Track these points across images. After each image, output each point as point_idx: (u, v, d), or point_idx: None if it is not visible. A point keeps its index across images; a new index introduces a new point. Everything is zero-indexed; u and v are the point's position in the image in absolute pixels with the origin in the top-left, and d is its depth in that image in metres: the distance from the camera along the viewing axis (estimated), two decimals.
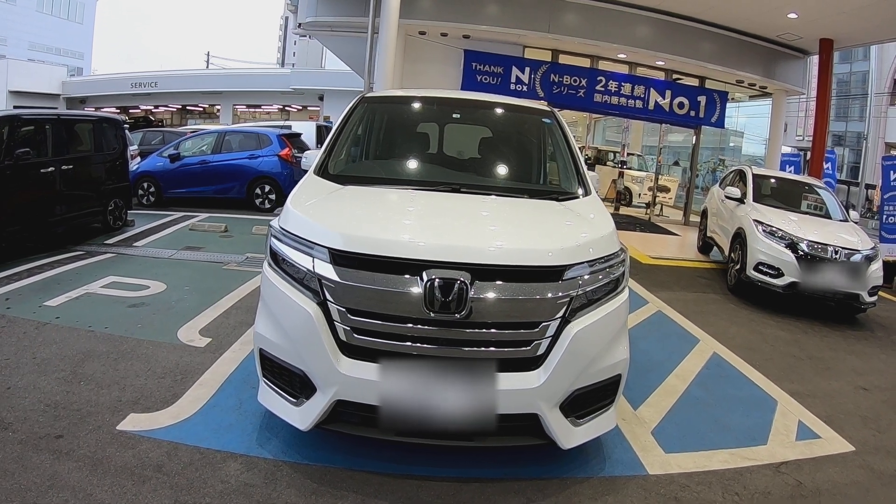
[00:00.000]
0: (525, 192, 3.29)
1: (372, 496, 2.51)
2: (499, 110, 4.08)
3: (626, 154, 16.17)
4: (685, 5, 11.21)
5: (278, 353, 2.59)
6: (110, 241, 7.12)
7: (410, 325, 2.39)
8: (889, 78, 29.07)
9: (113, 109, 28.29)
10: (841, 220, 7.28)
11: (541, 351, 2.47)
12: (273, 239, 2.74)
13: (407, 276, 2.40)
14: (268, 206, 10.33)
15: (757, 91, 13.89)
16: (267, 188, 10.37)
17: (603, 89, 12.64)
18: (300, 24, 12.35)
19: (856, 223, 7.27)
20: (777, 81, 12.81)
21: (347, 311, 2.42)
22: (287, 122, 16.91)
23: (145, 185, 10.41)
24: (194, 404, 3.17)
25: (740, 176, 8.38)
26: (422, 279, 2.37)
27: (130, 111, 31.44)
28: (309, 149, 10.56)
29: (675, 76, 13.23)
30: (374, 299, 2.40)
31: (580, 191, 3.35)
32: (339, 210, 2.86)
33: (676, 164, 17.03)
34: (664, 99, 12.90)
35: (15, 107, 24.19)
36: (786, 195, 7.81)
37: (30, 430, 2.79)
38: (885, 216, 9.36)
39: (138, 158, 11.29)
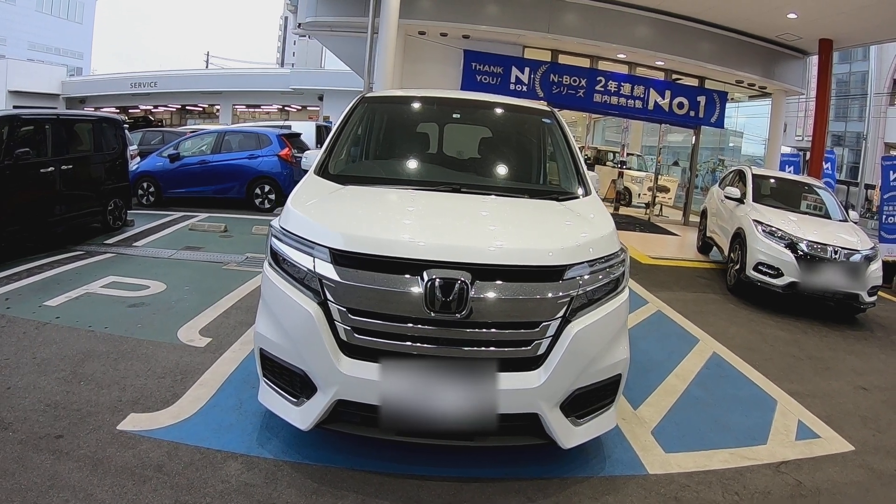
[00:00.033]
0: (525, 192, 3.29)
1: (372, 496, 2.51)
2: (499, 110, 4.08)
3: (625, 154, 16.17)
4: (685, 5, 11.21)
5: (279, 353, 2.59)
6: (110, 241, 7.12)
7: (411, 324, 2.40)
8: (888, 78, 29.08)
9: (112, 109, 28.27)
10: (840, 220, 7.29)
11: (541, 351, 2.47)
12: (273, 239, 2.74)
13: (407, 275, 2.40)
14: (267, 206, 10.33)
15: (756, 91, 13.90)
16: (266, 188, 10.37)
17: (602, 89, 12.65)
18: (300, 24, 12.34)
19: (855, 223, 7.28)
20: (776, 81, 12.83)
21: (348, 310, 2.42)
22: (287, 122, 16.92)
23: (145, 184, 10.41)
24: (194, 404, 3.17)
25: (740, 176, 8.38)
26: (422, 279, 2.37)
27: (130, 111, 31.42)
28: (308, 149, 10.57)
29: (674, 76, 13.24)
30: (374, 299, 2.41)
31: (580, 191, 3.35)
32: (340, 210, 2.86)
33: (676, 164, 17.04)
34: (664, 99, 12.91)
35: (14, 107, 24.18)
36: (785, 195, 7.82)
37: (30, 430, 2.79)
38: (884, 216, 9.37)
39: (138, 158, 11.28)
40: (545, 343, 2.47)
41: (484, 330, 2.42)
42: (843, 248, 6.31)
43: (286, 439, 2.86)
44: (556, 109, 4.11)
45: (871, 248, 6.47)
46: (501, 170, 3.73)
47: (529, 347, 2.47)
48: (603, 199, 3.48)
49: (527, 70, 12.32)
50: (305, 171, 3.42)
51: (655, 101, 12.87)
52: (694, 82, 13.33)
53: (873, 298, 6.38)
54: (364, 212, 2.86)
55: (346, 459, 2.74)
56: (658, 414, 3.53)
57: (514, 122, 4.08)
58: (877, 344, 5.79)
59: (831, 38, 11.61)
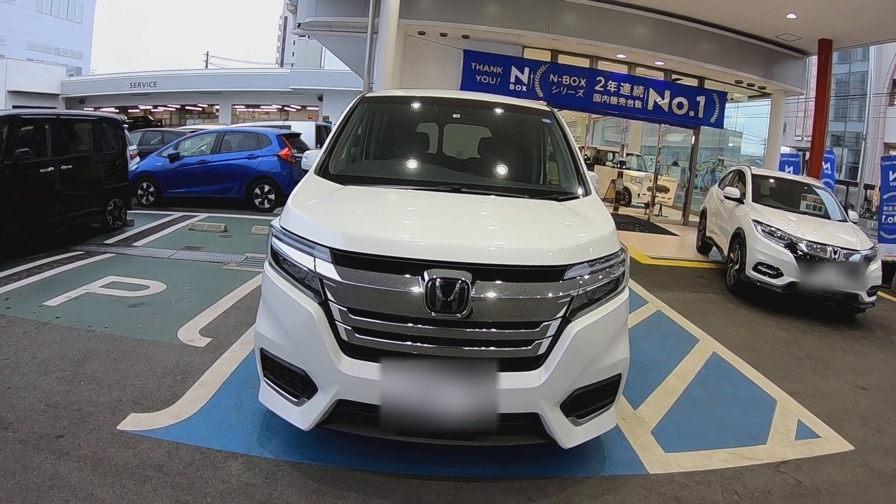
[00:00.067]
0: (525, 192, 3.30)
1: (373, 495, 2.51)
2: (499, 110, 4.09)
3: (625, 154, 16.18)
4: (684, 5, 11.22)
5: (279, 353, 2.59)
6: (110, 241, 7.11)
7: (412, 324, 2.40)
8: (888, 78, 29.11)
9: (112, 109, 28.26)
10: (840, 221, 7.29)
11: (541, 350, 2.48)
12: (274, 239, 2.74)
13: (408, 275, 2.40)
14: (267, 206, 10.34)
15: (756, 91, 13.91)
16: (266, 188, 10.37)
17: (602, 89, 12.66)
18: (300, 24, 12.34)
19: (855, 223, 7.29)
20: (776, 82, 12.83)
21: (349, 310, 2.42)
22: (286, 122, 16.92)
23: (144, 184, 10.41)
24: (195, 404, 3.17)
25: (739, 176, 8.39)
26: (423, 279, 2.37)
27: (129, 111, 31.40)
28: (308, 149, 10.57)
29: (674, 76, 13.24)
30: (375, 299, 2.41)
31: (580, 191, 3.36)
32: (341, 210, 2.87)
33: (675, 164, 17.05)
34: (663, 99, 12.92)
35: (14, 106, 24.16)
36: (785, 195, 7.83)
37: (30, 430, 2.79)
38: (884, 216, 9.38)
39: (137, 158, 11.28)
40: (545, 343, 2.48)
41: (484, 330, 2.43)
42: (842, 248, 6.32)
43: (286, 439, 2.86)
44: (555, 109, 4.11)
45: (871, 248, 6.48)
46: (501, 170, 3.73)
47: (530, 347, 2.47)
48: (602, 199, 3.49)
49: (526, 70, 12.32)
50: (305, 171, 3.42)
51: (655, 101, 12.88)
52: (693, 82, 13.34)
53: (873, 298, 6.39)
54: (364, 212, 2.87)
55: (346, 459, 2.74)
56: (658, 414, 3.53)
57: (514, 122, 4.08)
58: (876, 344, 5.80)
59: (831, 38, 11.62)
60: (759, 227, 6.77)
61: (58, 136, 6.59)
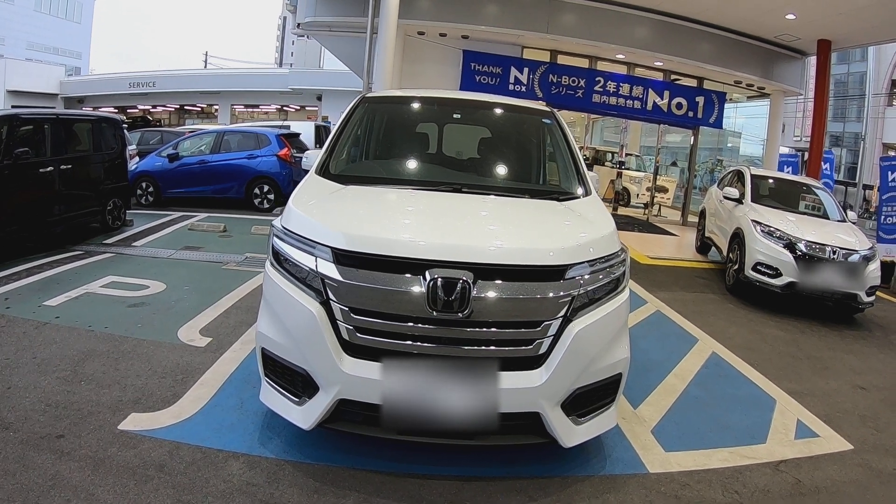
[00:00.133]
0: (525, 192, 3.30)
1: (374, 495, 2.52)
2: (498, 110, 4.09)
3: (624, 154, 16.20)
4: (683, 6, 11.23)
5: (281, 353, 2.59)
6: (109, 241, 7.11)
7: (413, 324, 2.40)
8: (886, 79, 29.18)
9: (111, 109, 28.24)
10: (839, 221, 7.31)
11: (542, 350, 2.48)
12: (275, 238, 2.74)
13: (410, 275, 2.41)
14: (266, 205, 10.33)
15: (755, 92, 13.93)
16: (266, 188, 10.37)
17: (601, 90, 12.67)
18: (299, 25, 12.34)
19: (853, 223, 7.30)
20: (775, 82, 12.86)
21: (350, 310, 2.43)
22: (285, 122, 16.91)
23: (144, 184, 10.40)
24: (195, 404, 3.17)
25: (738, 176, 8.40)
26: (424, 278, 2.38)
27: (128, 111, 31.36)
28: (307, 149, 10.57)
29: (673, 77, 13.26)
30: (376, 298, 2.41)
31: (580, 191, 3.36)
32: (342, 209, 2.87)
33: (674, 164, 17.07)
34: (662, 99, 12.93)
35: (13, 106, 24.14)
36: (784, 195, 7.84)
37: (31, 430, 2.79)
38: (883, 217, 9.39)
39: (137, 158, 11.27)
40: (546, 342, 2.48)
41: (485, 329, 2.43)
42: (841, 248, 6.33)
43: (288, 439, 2.87)
44: (555, 110, 4.12)
45: (870, 249, 6.49)
46: (501, 170, 3.74)
47: (531, 347, 2.47)
48: (601, 199, 3.50)
49: (526, 70, 12.33)
50: (305, 171, 3.42)
51: (654, 102, 12.90)
52: (692, 83, 13.36)
53: (871, 298, 6.40)
54: (366, 211, 2.87)
55: (347, 459, 2.74)
56: (658, 413, 3.54)
57: (514, 122, 4.09)
58: (875, 343, 5.81)
59: (830, 38, 11.64)
60: (758, 228, 6.78)
61: (57, 136, 6.58)
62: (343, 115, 3.79)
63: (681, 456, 3.07)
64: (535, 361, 2.49)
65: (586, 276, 2.56)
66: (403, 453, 2.80)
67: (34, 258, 5.96)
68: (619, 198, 15.02)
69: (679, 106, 13.04)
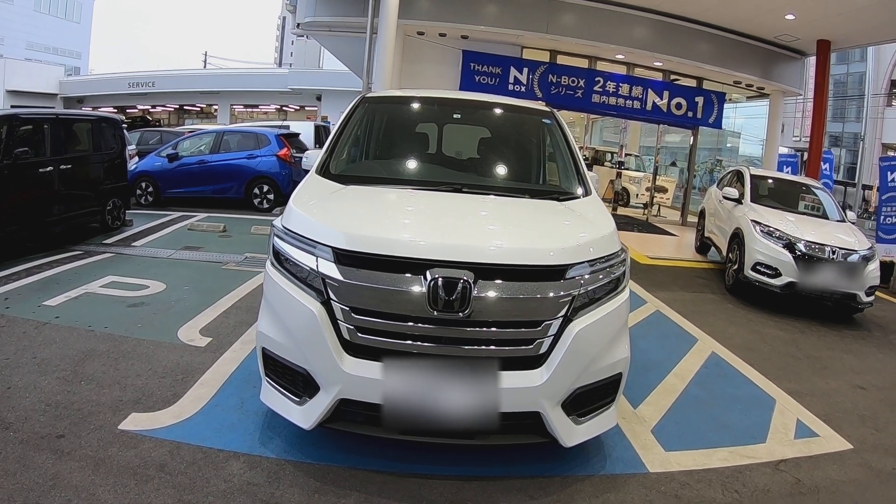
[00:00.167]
0: (525, 192, 3.30)
1: (375, 494, 2.52)
2: (498, 110, 4.09)
3: (623, 154, 16.21)
4: (683, 6, 11.24)
5: (281, 353, 2.59)
6: (109, 241, 7.11)
7: (414, 323, 2.40)
8: (886, 79, 29.21)
9: (110, 109, 28.22)
10: (838, 221, 7.32)
11: (543, 349, 2.49)
12: (276, 238, 2.74)
13: (410, 275, 2.41)
14: (266, 205, 10.33)
15: (754, 92, 13.94)
16: (265, 188, 10.36)
17: (601, 90, 12.68)
18: (298, 25, 12.34)
19: (853, 224, 7.31)
20: (774, 82, 12.87)
21: (351, 309, 2.43)
22: (285, 122, 16.91)
23: (143, 184, 10.40)
24: (196, 404, 3.17)
25: (738, 176, 8.41)
26: (425, 278, 2.38)
27: (128, 111, 31.35)
28: (307, 149, 10.57)
29: (672, 77, 13.27)
30: (377, 298, 2.41)
31: (580, 191, 3.36)
32: (342, 209, 2.87)
33: (674, 164, 17.08)
34: (662, 100, 12.94)
35: (12, 106, 24.12)
36: (783, 196, 7.85)
37: (31, 430, 2.79)
38: (882, 217, 9.40)
39: (136, 158, 11.27)
40: (547, 342, 2.48)
41: (486, 329, 2.43)
42: (840, 248, 6.34)
43: (288, 438, 2.87)
44: (555, 110, 4.12)
45: (869, 249, 6.50)
46: (501, 170, 3.74)
47: (531, 346, 2.48)
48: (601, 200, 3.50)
49: (525, 70, 12.34)
50: (305, 171, 3.42)
51: (653, 102, 12.91)
52: (692, 83, 13.37)
53: (871, 298, 6.40)
54: (366, 211, 2.87)
55: (348, 458, 2.74)
56: (658, 413, 3.55)
57: (513, 122, 4.09)
58: (874, 343, 5.82)
59: (829, 39, 11.66)
60: (757, 228, 6.79)
61: (57, 136, 6.58)
62: (343, 116, 3.79)
63: (681, 455, 3.07)
64: (535, 361, 2.49)
65: (586, 276, 2.57)
66: (404, 453, 2.80)
67: (34, 258, 5.96)
68: (618, 198, 15.03)
69: (678, 106, 13.05)
